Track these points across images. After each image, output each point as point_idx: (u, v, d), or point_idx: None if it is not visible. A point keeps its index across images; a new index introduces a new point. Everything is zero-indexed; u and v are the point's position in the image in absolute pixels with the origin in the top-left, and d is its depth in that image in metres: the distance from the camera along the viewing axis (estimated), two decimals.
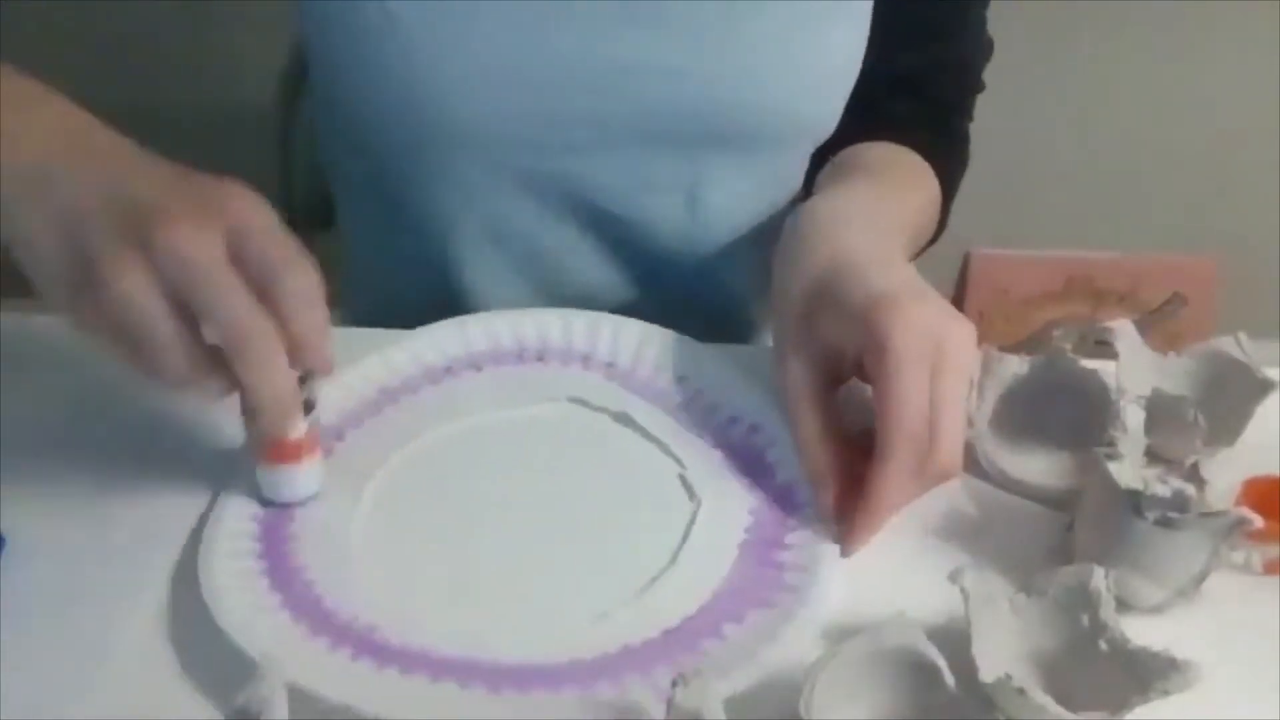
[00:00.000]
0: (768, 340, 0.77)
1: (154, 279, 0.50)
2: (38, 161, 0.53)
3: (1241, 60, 1.69)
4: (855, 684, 0.49)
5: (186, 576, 0.57)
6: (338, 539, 0.58)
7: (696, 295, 0.81)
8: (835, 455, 0.59)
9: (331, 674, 0.51)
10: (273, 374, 0.51)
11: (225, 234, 0.51)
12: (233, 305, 0.50)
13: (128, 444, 0.64)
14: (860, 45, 0.75)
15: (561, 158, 0.73)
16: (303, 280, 0.51)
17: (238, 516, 0.59)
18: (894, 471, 0.55)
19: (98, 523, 0.60)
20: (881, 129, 0.79)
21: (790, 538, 0.58)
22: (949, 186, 0.82)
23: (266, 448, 0.57)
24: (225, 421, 0.65)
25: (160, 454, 0.64)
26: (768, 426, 0.63)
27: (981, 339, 0.59)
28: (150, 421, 0.65)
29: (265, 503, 0.59)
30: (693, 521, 0.59)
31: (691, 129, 0.73)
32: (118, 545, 0.59)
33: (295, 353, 0.52)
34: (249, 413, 0.54)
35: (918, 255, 0.78)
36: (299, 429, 0.56)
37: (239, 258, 0.51)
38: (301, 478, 0.58)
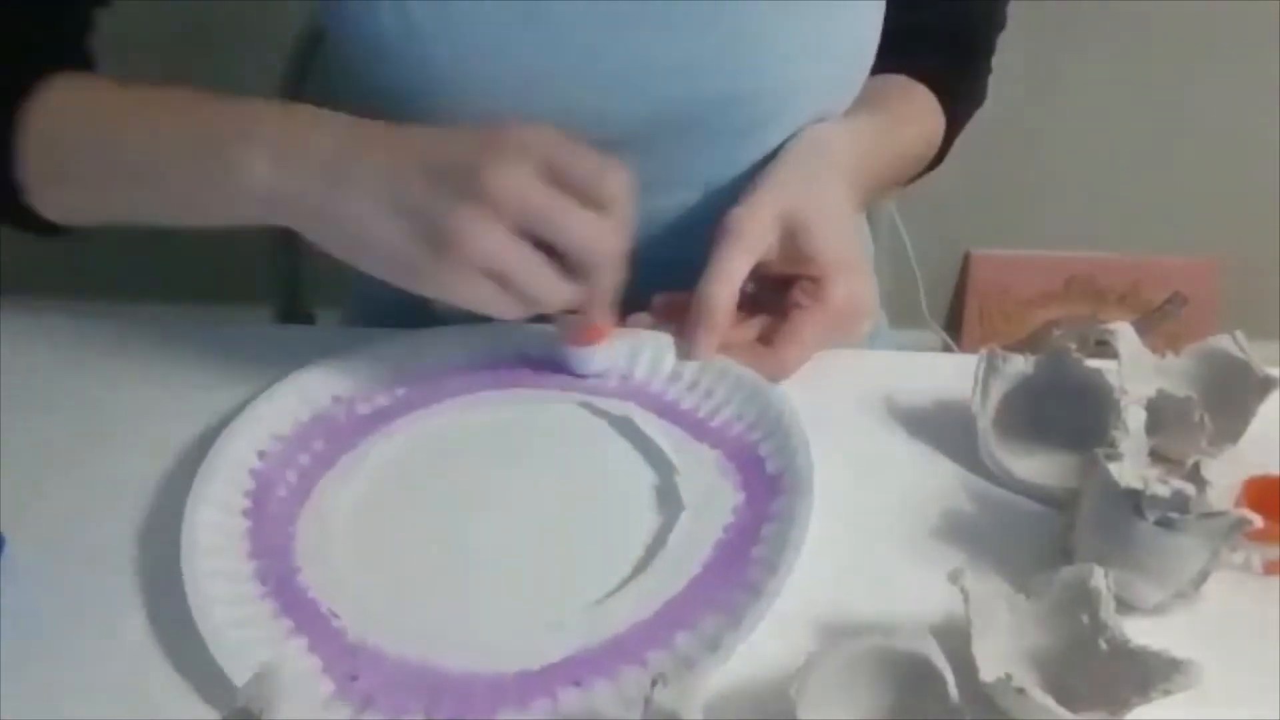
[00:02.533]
0: None
1: (503, 223, 0.57)
2: (338, 161, 0.59)
3: (1241, 61, 1.69)
4: (851, 683, 0.49)
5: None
6: (321, 513, 0.59)
7: None
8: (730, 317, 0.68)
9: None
10: (617, 272, 0.61)
11: (535, 164, 0.58)
12: (577, 223, 0.59)
13: (128, 442, 0.64)
14: (876, 27, 0.76)
15: None
16: (617, 182, 0.61)
17: (235, 463, 0.60)
18: (762, 359, 0.67)
19: (98, 523, 0.60)
20: (897, 64, 0.81)
21: (765, 529, 0.58)
22: (957, 120, 0.86)
23: (582, 333, 0.66)
24: (224, 421, 0.65)
25: (161, 453, 0.64)
26: (764, 422, 0.63)
27: (982, 339, 0.61)
28: (151, 421, 0.66)
29: (578, 375, 0.67)
30: (671, 528, 0.58)
31: (707, 123, 0.73)
32: (117, 546, 0.59)
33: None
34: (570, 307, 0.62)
35: (910, 182, 0.86)
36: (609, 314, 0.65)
37: (556, 179, 0.58)
38: (609, 352, 0.67)
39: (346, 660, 0.53)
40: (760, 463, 0.62)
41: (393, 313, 0.75)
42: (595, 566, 0.57)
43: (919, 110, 0.83)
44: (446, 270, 0.58)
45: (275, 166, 0.60)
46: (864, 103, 0.78)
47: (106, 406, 0.66)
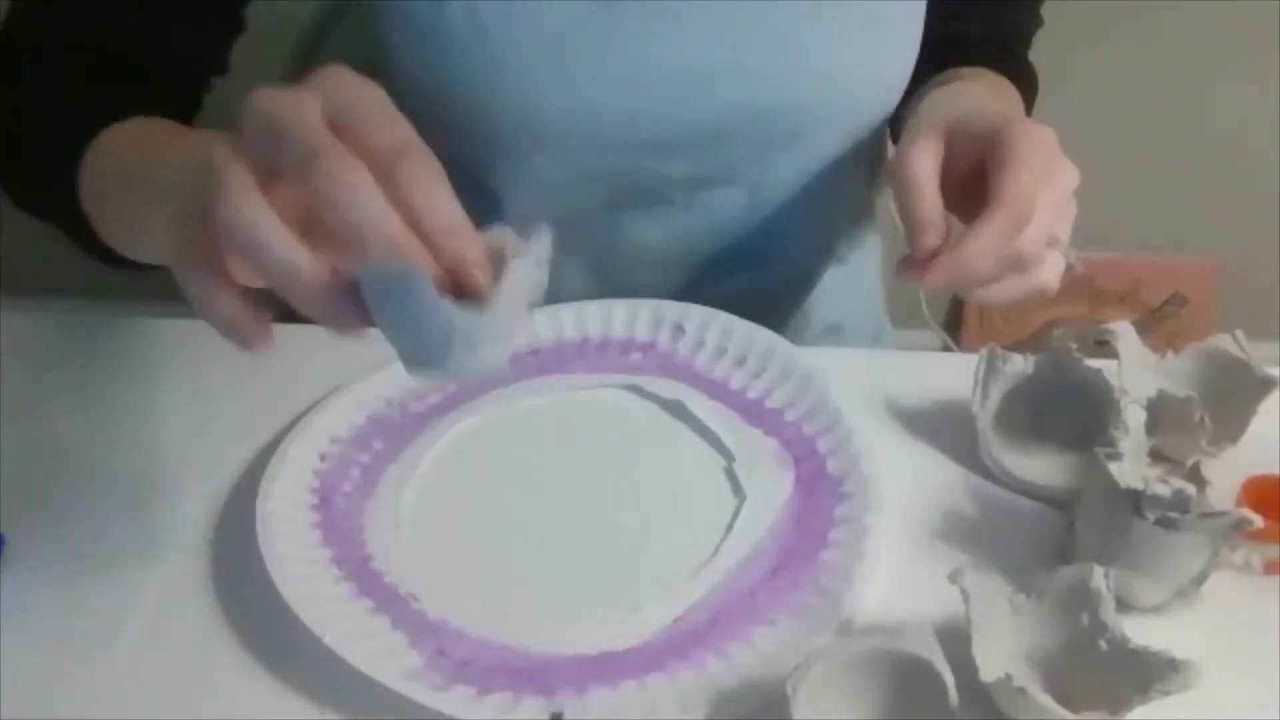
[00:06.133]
0: (820, 329, 0.87)
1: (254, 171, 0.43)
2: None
3: (1241, 61, 1.69)
4: (850, 682, 0.49)
5: (187, 576, 0.57)
6: (388, 505, 0.61)
7: (753, 283, 0.82)
8: (940, 210, 0.61)
9: (369, 643, 0.53)
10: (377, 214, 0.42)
11: (322, 101, 0.43)
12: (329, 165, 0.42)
13: (129, 442, 0.64)
14: (916, 35, 0.76)
15: (634, 154, 0.74)
16: (427, 164, 0.43)
17: (298, 463, 0.61)
18: (989, 229, 0.58)
19: (98, 523, 0.60)
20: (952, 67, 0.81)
21: (832, 534, 0.58)
22: (1029, 105, 0.86)
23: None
24: (225, 421, 0.65)
25: (160, 453, 0.64)
26: (821, 414, 0.64)
27: (982, 339, 0.61)
28: (151, 420, 0.66)
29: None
30: (735, 517, 0.60)
31: (762, 127, 0.74)
32: (118, 545, 0.59)
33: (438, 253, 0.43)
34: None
35: None
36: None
37: (344, 130, 0.43)
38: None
39: (431, 638, 0.54)
40: (819, 459, 0.62)
41: None
42: (662, 551, 0.58)
43: (1004, 84, 0.83)
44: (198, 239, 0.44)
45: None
46: (954, 79, 0.77)
47: (107, 406, 0.66)
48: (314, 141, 0.42)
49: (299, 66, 1.02)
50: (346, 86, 0.45)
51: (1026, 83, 0.88)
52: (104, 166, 0.61)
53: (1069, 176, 0.62)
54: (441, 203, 0.44)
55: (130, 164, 0.58)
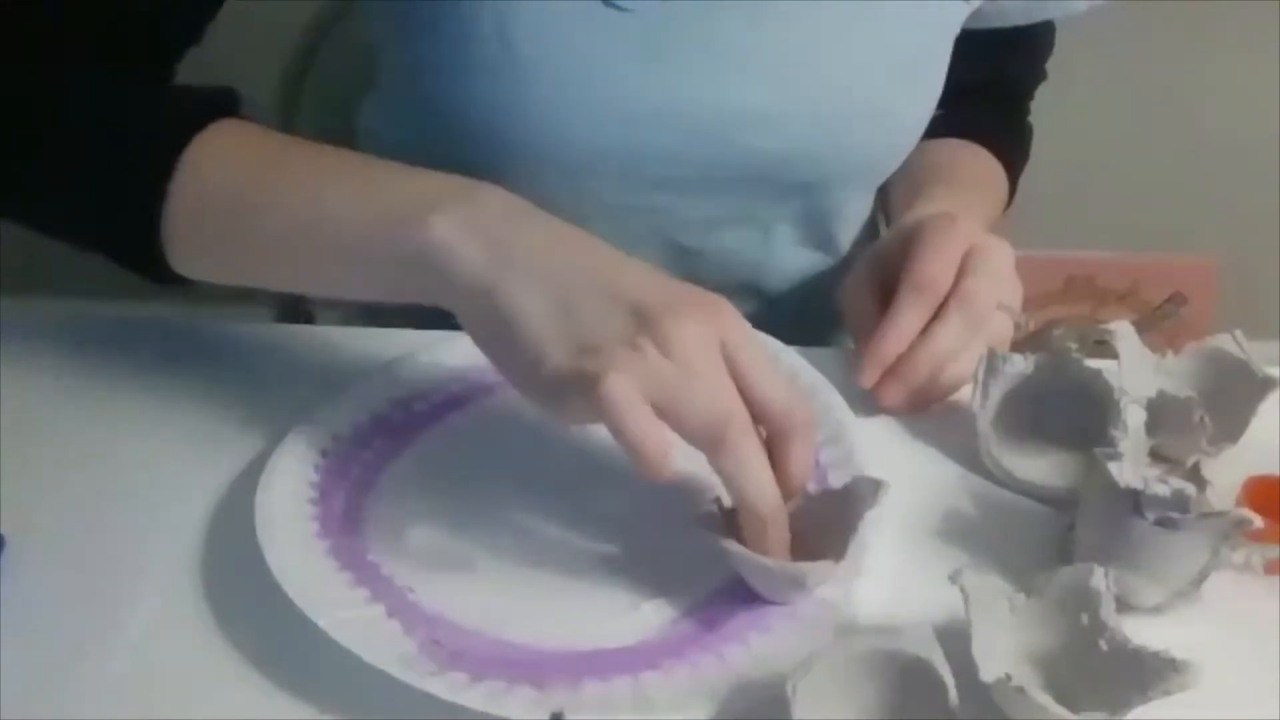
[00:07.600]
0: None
1: (647, 380, 0.50)
2: (520, 249, 0.55)
3: (1241, 60, 1.69)
4: (850, 682, 0.49)
5: (187, 576, 0.57)
6: (387, 501, 0.61)
7: (758, 310, 0.82)
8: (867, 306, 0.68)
9: (362, 628, 0.53)
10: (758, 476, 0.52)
11: (720, 340, 0.53)
12: (721, 399, 0.52)
13: (129, 442, 0.64)
14: (935, 97, 0.78)
15: (651, 193, 0.74)
16: (807, 421, 0.54)
17: (299, 458, 0.61)
18: (894, 313, 0.65)
19: (98, 523, 0.60)
20: (951, 126, 0.83)
21: None
22: (1014, 172, 0.89)
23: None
24: (225, 422, 0.65)
25: (161, 452, 0.64)
26: (825, 423, 0.63)
27: None
28: (151, 420, 0.66)
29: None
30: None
31: (783, 174, 0.75)
32: (118, 545, 0.59)
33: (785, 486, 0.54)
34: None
35: None
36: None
37: (732, 369, 0.53)
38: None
39: (425, 627, 0.54)
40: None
41: (391, 312, 0.75)
42: (660, 552, 0.58)
43: (998, 179, 0.86)
44: (589, 386, 0.50)
45: (457, 234, 0.55)
46: (936, 181, 0.80)
47: (107, 406, 0.66)
48: (726, 407, 0.52)
49: (299, 66, 1.03)
50: (742, 331, 0.53)
51: (1018, 143, 0.91)
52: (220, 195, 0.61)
53: (999, 253, 0.67)
54: (808, 471, 0.55)
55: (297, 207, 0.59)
